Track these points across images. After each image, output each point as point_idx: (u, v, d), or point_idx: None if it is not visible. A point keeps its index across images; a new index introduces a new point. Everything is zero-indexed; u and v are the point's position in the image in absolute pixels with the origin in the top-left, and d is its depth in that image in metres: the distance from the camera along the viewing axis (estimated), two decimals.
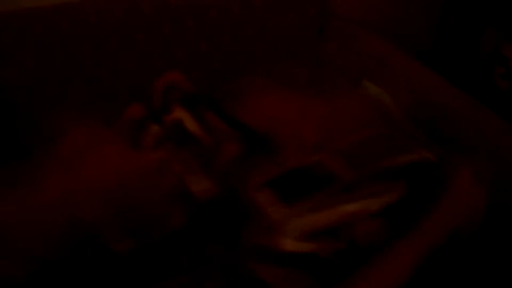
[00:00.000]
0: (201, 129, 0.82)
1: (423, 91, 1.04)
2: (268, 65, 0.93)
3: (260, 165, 0.73)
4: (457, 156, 0.80)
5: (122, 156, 0.73)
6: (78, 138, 0.73)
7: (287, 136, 0.75)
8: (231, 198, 0.73)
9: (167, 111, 0.87)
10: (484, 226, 0.83)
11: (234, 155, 0.79)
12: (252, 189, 0.69)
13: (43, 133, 0.72)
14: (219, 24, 1.16)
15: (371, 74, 1.10)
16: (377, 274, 0.65)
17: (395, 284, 0.64)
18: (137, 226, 0.65)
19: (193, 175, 0.75)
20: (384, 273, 0.66)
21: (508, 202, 0.85)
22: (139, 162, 0.73)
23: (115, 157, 0.72)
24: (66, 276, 0.60)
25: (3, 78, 1.01)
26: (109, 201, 0.64)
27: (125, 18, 1.07)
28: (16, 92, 1.03)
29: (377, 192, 0.68)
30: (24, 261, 0.57)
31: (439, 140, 0.89)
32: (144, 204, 0.66)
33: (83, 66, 1.07)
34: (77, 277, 0.60)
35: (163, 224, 0.68)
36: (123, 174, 0.68)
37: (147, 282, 0.64)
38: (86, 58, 1.06)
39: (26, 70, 1.02)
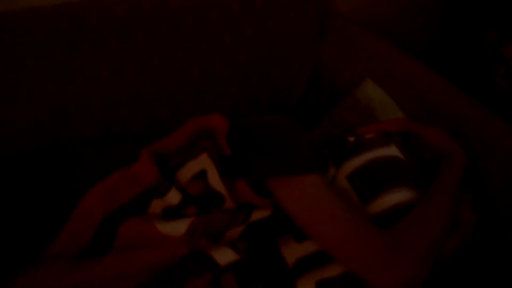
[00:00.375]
0: (225, 189, 0.73)
1: (423, 91, 1.04)
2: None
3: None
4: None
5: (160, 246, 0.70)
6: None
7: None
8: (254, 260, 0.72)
9: (185, 160, 0.78)
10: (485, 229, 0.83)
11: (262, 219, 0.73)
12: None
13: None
14: (219, 24, 1.16)
15: (372, 74, 1.11)
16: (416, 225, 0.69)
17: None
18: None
19: (217, 248, 0.70)
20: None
21: (510, 203, 0.85)
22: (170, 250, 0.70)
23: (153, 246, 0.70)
24: None
25: (3, 78, 1.01)
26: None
27: (125, 18, 1.07)
28: (16, 92, 1.03)
29: None
30: None
31: None
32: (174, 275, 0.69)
33: (83, 66, 1.07)
34: None
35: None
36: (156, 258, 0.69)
37: None
38: (86, 58, 1.06)
39: (26, 70, 1.02)
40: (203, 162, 0.76)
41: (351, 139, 0.86)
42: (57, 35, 1.03)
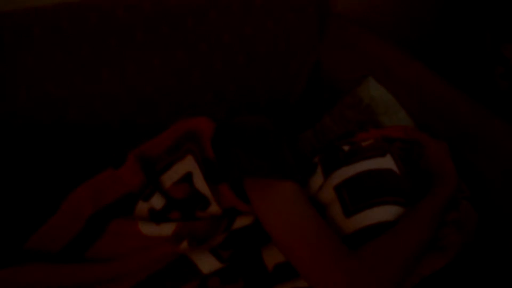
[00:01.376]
0: (210, 192, 0.73)
1: (423, 91, 1.04)
2: None
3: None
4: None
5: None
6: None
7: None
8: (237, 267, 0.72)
9: (171, 164, 0.78)
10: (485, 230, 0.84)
11: (245, 225, 0.74)
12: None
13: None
14: (219, 24, 1.16)
15: (372, 74, 1.10)
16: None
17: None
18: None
19: (199, 253, 0.71)
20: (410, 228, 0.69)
21: (510, 203, 0.85)
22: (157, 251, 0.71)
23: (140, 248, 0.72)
24: None
25: (3, 78, 1.01)
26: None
27: (125, 18, 1.07)
28: (16, 92, 1.03)
29: None
30: None
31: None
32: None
33: (83, 66, 1.07)
34: None
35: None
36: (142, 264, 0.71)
37: None
38: (86, 58, 1.06)
39: (26, 70, 1.02)
40: (189, 164, 0.76)
41: (346, 147, 0.84)
42: (57, 35, 1.03)
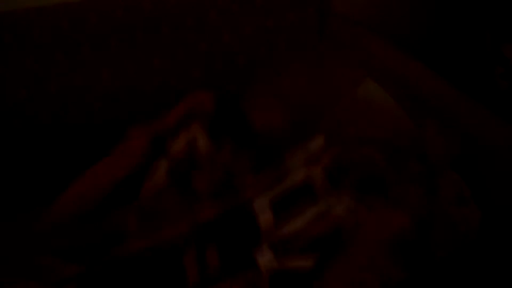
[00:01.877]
0: (214, 152, 0.79)
1: (423, 92, 1.04)
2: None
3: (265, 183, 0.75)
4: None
5: None
6: None
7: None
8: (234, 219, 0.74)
9: (178, 133, 0.84)
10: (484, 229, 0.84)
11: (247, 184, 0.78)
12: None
13: None
14: (218, 24, 1.16)
15: (371, 75, 1.10)
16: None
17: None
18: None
19: (198, 204, 0.75)
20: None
21: (509, 204, 0.85)
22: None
23: None
24: None
25: (3, 78, 1.01)
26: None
27: (125, 18, 1.07)
28: (16, 92, 1.03)
29: None
30: None
31: None
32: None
33: (83, 66, 1.07)
34: None
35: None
36: None
37: None
38: (86, 58, 1.06)
39: (26, 70, 1.02)
40: (194, 131, 0.83)
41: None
42: (57, 35, 1.03)
